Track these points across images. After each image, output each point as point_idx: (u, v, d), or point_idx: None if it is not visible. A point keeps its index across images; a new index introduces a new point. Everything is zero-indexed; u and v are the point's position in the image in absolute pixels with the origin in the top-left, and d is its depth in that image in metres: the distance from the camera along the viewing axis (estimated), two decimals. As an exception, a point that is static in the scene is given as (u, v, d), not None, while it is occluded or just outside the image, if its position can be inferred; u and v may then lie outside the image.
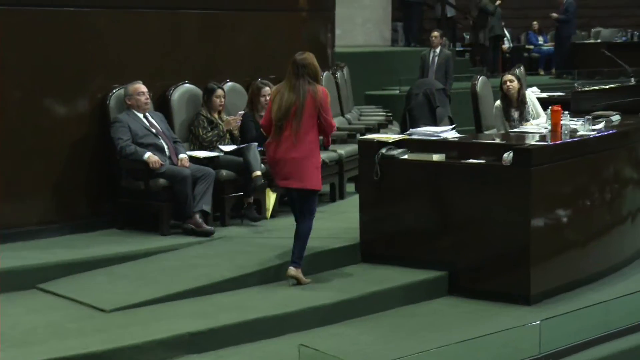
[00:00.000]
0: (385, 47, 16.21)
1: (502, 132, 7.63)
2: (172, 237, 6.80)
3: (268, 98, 7.67)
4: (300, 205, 6.11)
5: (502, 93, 7.89)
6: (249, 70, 8.26)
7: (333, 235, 6.82)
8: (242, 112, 7.75)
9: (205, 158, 7.21)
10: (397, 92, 13.62)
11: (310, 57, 6.19)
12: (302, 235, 6.04)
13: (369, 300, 5.82)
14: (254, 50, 8.41)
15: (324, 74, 9.30)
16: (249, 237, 6.94)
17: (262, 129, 6.36)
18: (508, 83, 7.84)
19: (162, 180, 6.82)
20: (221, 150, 7.38)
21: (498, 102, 7.95)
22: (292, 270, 5.98)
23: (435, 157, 6.28)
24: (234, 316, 5.34)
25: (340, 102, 9.83)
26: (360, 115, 10.87)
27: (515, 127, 7.61)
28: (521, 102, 7.82)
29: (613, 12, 19.40)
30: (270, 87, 7.77)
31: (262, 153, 7.46)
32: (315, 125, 6.05)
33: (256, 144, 7.39)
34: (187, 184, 6.80)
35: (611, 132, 6.87)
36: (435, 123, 10.52)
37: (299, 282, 6.00)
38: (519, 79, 7.94)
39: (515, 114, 7.81)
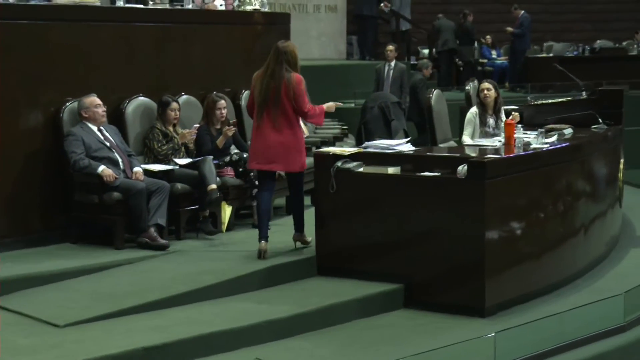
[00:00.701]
0: (340, 61, 16.25)
1: (469, 142, 7.74)
2: (127, 251, 6.74)
3: (223, 111, 7.70)
4: (289, 185, 6.83)
5: (479, 100, 8.18)
6: (204, 83, 8.24)
7: (289, 248, 6.81)
8: (198, 125, 7.72)
9: (160, 171, 7.17)
10: (353, 105, 13.63)
11: (291, 46, 6.56)
12: (298, 207, 6.76)
13: (325, 314, 5.82)
14: (209, 63, 8.39)
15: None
16: (205, 250, 6.90)
17: (247, 112, 6.83)
18: (485, 91, 8.13)
19: (116, 194, 6.76)
20: (176, 164, 7.34)
21: (474, 108, 8.18)
22: (295, 235, 6.80)
23: (391, 170, 6.30)
24: (189, 330, 5.30)
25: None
26: (316, 129, 10.87)
27: (490, 134, 7.89)
28: (497, 111, 8.11)
29: (565, 27, 19.66)
30: (225, 100, 7.76)
31: (217, 166, 7.45)
32: (293, 110, 6.47)
33: (212, 157, 7.37)
34: (142, 197, 6.75)
35: (564, 145, 6.95)
36: (390, 136, 10.57)
37: (304, 243, 6.77)
38: (496, 88, 8.22)
39: (491, 121, 8.08)
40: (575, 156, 7.03)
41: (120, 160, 6.97)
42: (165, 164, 7.33)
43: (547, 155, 6.61)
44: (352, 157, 6.51)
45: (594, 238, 7.33)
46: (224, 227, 7.40)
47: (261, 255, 6.52)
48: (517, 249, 6.25)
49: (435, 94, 8.57)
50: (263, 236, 6.57)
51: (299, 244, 6.85)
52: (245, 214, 7.90)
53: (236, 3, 9.25)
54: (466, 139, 7.97)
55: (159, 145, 7.41)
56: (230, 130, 7.62)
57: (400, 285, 6.18)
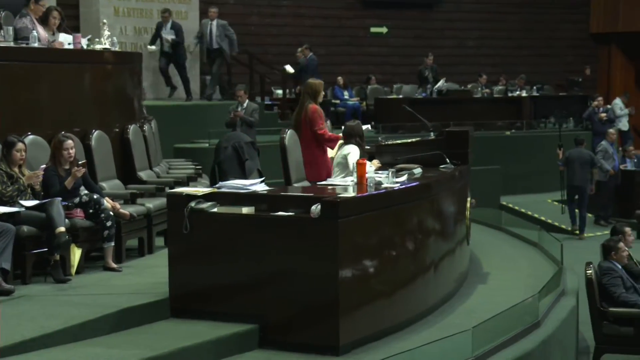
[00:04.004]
0: (194, 101, 16.18)
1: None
2: (-31, 297, 6.45)
3: (71, 152, 7.51)
4: None
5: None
6: (52, 123, 8.03)
7: (141, 290, 6.67)
8: (45, 166, 7.50)
9: (4, 214, 6.90)
10: (207, 145, 13.59)
11: (315, 81, 8.38)
12: None
13: (178, 357, 5.70)
14: (57, 102, 8.20)
15: (131, 127, 9.18)
16: (52, 295, 6.67)
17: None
18: None
19: (-42, 238, 6.47)
20: (22, 206, 7.09)
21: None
22: None
23: (245, 210, 6.28)
24: (36, 379, 5.09)
25: (148, 155, 9.70)
26: (169, 169, 10.77)
27: None
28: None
29: (412, 70, 20.25)
30: (72, 140, 7.58)
31: (66, 208, 7.25)
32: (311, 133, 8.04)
33: (60, 199, 7.16)
34: (-15, 240, 6.48)
35: (414, 184, 7.11)
36: (244, 176, 10.57)
37: None
38: None
39: None
40: (425, 195, 7.20)
41: (-38, 202, 6.68)
42: (11, 205, 7.07)
43: (398, 195, 6.74)
44: (206, 197, 6.45)
45: (444, 275, 7.51)
46: (74, 270, 7.19)
47: None
48: (370, 287, 6.32)
49: (288, 133, 8.62)
50: None
51: None
52: (96, 256, 7.71)
53: (85, 42, 9.08)
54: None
55: (4, 186, 7.15)
56: (79, 171, 7.44)
57: (255, 325, 6.14)
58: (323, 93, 8.50)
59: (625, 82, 23.43)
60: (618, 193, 15.72)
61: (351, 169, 7.37)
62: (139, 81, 10.07)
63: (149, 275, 7.28)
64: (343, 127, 8.40)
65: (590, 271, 8.41)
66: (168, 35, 15.32)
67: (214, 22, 16.22)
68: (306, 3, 20.58)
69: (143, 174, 9.27)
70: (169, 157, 12.35)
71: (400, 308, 6.65)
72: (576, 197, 15.16)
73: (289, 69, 17.59)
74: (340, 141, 8.27)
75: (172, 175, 10.06)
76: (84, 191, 7.59)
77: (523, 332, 6.76)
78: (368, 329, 6.23)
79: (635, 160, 16.49)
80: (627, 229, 9.34)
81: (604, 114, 18.42)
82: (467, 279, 8.36)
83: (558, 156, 15.42)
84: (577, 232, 15.13)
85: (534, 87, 20.41)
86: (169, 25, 15.57)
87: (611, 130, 16.42)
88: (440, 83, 18.59)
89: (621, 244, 8.68)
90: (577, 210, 15.24)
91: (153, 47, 15.67)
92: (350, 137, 7.97)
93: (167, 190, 7.86)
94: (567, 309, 7.78)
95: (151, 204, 8.33)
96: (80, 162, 7.59)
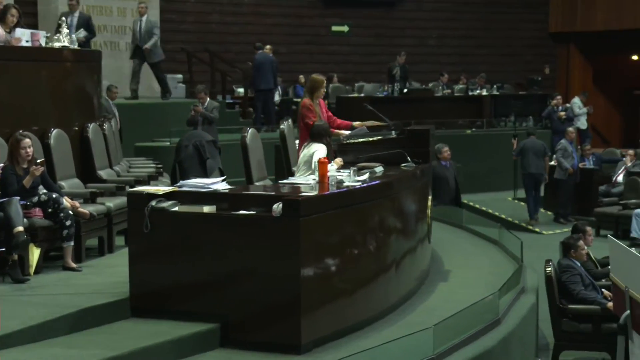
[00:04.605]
0: (155, 99, 16.10)
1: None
2: None
3: (29, 150, 7.42)
4: None
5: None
6: (9, 122, 7.93)
7: (101, 290, 6.61)
8: (2, 164, 7.41)
9: (-38, 213, 6.82)
10: (168, 143, 13.53)
11: (315, 76, 8.76)
12: None
13: (138, 357, 5.66)
14: (15, 101, 8.11)
15: (91, 125, 9.10)
16: (11, 295, 6.59)
17: None
18: None
19: None
20: (-21, 205, 7.01)
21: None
22: None
23: (206, 209, 6.25)
24: (-6, 380, 5.03)
25: (108, 154, 9.62)
26: (130, 167, 10.69)
27: None
28: None
29: (374, 68, 20.31)
30: (30, 139, 7.49)
31: (24, 207, 7.17)
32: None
33: (18, 198, 7.08)
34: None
35: (375, 182, 7.12)
36: (205, 175, 10.53)
37: None
38: None
39: None
40: (386, 194, 7.22)
41: None
42: (-32, 205, 6.98)
43: (359, 193, 6.75)
44: (167, 196, 6.42)
45: (405, 273, 7.53)
46: (32, 270, 7.11)
47: None
48: (331, 285, 6.33)
49: (250, 132, 8.60)
50: None
51: None
52: (55, 255, 7.63)
53: (44, 40, 8.98)
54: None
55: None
56: (38, 170, 7.36)
57: (216, 324, 6.11)
58: (324, 90, 8.75)
59: (583, 81, 23.69)
60: (577, 191, 15.88)
61: (313, 167, 7.37)
62: (99, 79, 9.98)
63: (109, 274, 7.22)
64: (311, 127, 8.37)
65: (549, 269, 8.48)
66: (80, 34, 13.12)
67: (144, 19, 15.42)
68: (267, 1, 20.57)
69: (103, 173, 9.19)
70: (130, 155, 12.27)
71: (362, 306, 6.66)
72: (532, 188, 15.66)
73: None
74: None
75: (133, 174, 9.99)
76: (42, 190, 7.51)
77: (483, 330, 6.80)
78: (330, 328, 6.24)
79: (593, 159, 16.67)
80: (588, 228, 9.45)
81: (563, 113, 18.60)
82: (428, 277, 8.39)
83: (513, 146, 16.18)
84: (532, 225, 15.56)
85: (494, 86, 20.55)
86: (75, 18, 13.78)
87: (570, 129, 16.58)
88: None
89: (581, 242, 8.77)
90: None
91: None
92: (318, 137, 7.93)
93: (128, 189, 7.80)
94: (527, 307, 7.85)
95: (111, 203, 8.26)
96: (38, 161, 7.51)
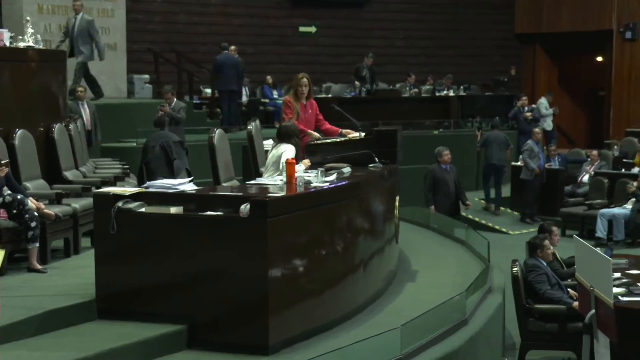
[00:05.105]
0: (121, 99, 15.99)
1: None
2: None
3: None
4: None
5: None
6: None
7: (67, 292, 6.57)
8: (-33, 165, 7.33)
9: None
10: (134, 144, 13.45)
11: (301, 74, 8.67)
12: None
13: (105, 358, 5.63)
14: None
15: (56, 126, 9.03)
16: (-25, 297, 6.53)
17: None
18: None
19: None
20: (-57, 206, 6.93)
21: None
22: None
23: (173, 210, 6.22)
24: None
25: (74, 154, 9.55)
26: (96, 168, 10.62)
27: None
28: None
29: (342, 69, 20.32)
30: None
31: (-11, 208, 7.10)
32: None
33: (-17, 198, 7.01)
34: None
35: (343, 183, 7.13)
36: (172, 175, 10.47)
37: None
38: None
39: None
40: (354, 194, 7.22)
41: None
42: None
43: (327, 194, 6.75)
44: (134, 197, 6.38)
45: (373, 273, 7.54)
46: (-3, 271, 7.04)
47: None
48: (299, 286, 6.32)
49: (217, 133, 8.57)
50: None
51: None
52: (20, 257, 7.56)
53: (8, 40, 8.89)
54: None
55: None
56: (2, 171, 7.29)
57: (183, 326, 6.09)
58: (305, 88, 8.61)
59: (549, 82, 23.87)
60: (543, 191, 16.00)
61: (282, 168, 7.35)
62: (64, 79, 9.90)
63: (75, 276, 7.17)
64: (278, 128, 8.36)
65: (516, 269, 8.54)
66: None
67: (79, 17, 14.44)
68: (234, 2, 20.51)
69: (69, 174, 9.12)
70: (96, 156, 12.19)
71: (330, 307, 6.66)
72: (492, 177, 16.34)
73: None
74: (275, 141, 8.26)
75: (99, 174, 9.92)
76: (7, 191, 7.44)
77: (451, 330, 6.84)
78: (298, 328, 6.23)
79: (559, 160, 16.81)
80: (555, 228, 9.51)
81: (529, 113, 18.73)
82: (396, 277, 8.41)
83: (477, 137, 17.23)
84: (488, 210, 16.39)
85: (461, 87, 20.66)
86: None
87: (536, 130, 16.70)
88: None
89: (547, 242, 8.83)
90: (492, 190, 16.48)
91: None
92: (286, 137, 7.90)
93: (94, 190, 7.75)
94: (493, 306, 7.90)
95: (77, 204, 8.20)
96: (2, 162, 7.43)
